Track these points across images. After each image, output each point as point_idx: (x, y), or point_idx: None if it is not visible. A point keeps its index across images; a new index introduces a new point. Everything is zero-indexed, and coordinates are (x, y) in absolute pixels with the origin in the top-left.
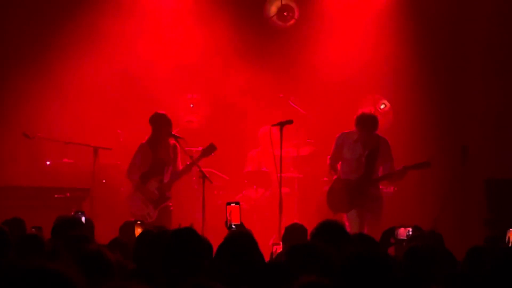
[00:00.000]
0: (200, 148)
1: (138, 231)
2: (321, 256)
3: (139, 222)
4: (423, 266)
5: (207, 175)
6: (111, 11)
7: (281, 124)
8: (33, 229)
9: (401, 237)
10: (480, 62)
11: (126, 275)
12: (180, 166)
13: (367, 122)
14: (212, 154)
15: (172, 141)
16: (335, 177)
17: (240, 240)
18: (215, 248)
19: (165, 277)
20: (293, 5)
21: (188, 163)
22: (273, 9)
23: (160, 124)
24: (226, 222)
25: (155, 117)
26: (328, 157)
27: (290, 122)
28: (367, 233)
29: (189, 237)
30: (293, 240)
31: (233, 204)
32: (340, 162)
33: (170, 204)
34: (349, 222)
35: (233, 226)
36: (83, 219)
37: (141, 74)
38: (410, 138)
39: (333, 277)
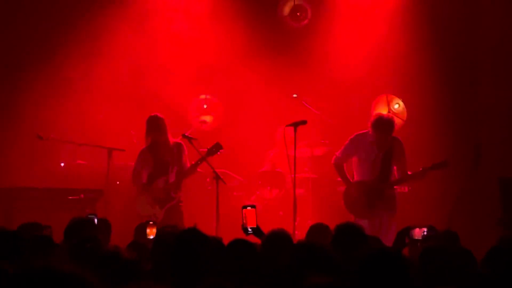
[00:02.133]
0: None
1: (150, 231)
2: (322, 255)
3: (151, 222)
4: (438, 267)
5: (221, 176)
6: (125, 12)
7: (295, 125)
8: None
9: (416, 238)
10: (492, 60)
11: (143, 275)
12: (188, 165)
13: (385, 126)
14: (219, 153)
15: (174, 140)
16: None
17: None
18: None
19: (176, 278)
20: (306, 5)
21: (193, 162)
22: (286, 9)
23: (150, 128)
24: (242, 225)
25: (147, 121)
26: (335, 156)
27: (304, 122)
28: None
29: (192, 238)
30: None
31: (249, 208)
32: (353, 164)
33: (180, 204)
34: (370, 229)
35: (249, 230)
36: (95, 221)
37: (155, 75)
38: (423, 137)
39: (336, 276)
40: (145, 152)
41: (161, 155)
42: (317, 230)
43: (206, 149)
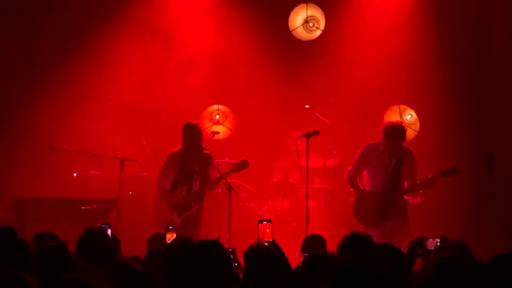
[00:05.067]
0: (226, 160)
1: (170, 236)
2: (333, 265)
3: (171, 227)
4: (452, 278)
5: (233, 187)
6: (137, 23)
7: (308, 135)
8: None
9: (429, 248)
10: (507, 69)
11: (155, 286)
12: (212, 177)
13: (396, 133)
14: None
15: (206, 151)
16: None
17: (257, 255)
18: (240, 258)
19: None
20: (319, 16)
21: (217, 175)
22: (298, 20)
23: (188, 134)
24: (258, 240)
25: (185, 127)
26: (347, 171)
27: (316, 133)
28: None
29: (214, 251)
30: (311, 251)
31: (265, 222)
32: (365, 174)
33: (199, 213)
34: (381, 239)
35: (266, 244)
36: (109, 231)
37: (167, 85)
38: (435, 147)
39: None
40: (174, 156)
41: (189, 163)
42: (311, 241)
43: (233, 164)
